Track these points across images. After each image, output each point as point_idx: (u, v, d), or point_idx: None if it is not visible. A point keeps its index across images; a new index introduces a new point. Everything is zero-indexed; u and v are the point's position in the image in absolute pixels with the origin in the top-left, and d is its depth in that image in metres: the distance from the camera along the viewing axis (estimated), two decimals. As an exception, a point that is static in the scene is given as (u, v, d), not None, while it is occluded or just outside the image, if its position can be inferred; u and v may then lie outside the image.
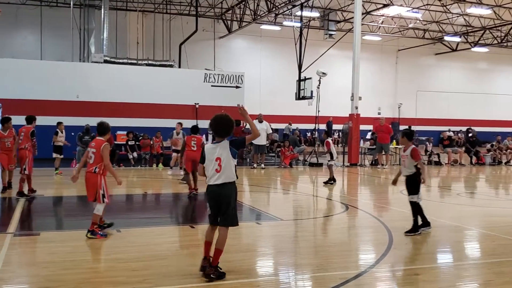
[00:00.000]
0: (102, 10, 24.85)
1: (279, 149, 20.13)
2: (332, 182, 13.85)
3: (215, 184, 5.35)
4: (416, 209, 7.70)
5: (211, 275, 5.33)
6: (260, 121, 18.64)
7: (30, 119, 11.44)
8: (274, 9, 25.76)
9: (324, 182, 14.00)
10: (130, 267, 5.87)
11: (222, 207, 5.39)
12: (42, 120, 17.85)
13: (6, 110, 19.55)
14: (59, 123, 15.97)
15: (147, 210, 10.74)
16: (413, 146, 7.80)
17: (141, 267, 5.88)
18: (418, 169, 7.67)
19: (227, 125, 5.47)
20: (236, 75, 22.43)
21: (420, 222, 7.71)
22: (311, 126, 30.14)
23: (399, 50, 36.77)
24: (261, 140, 18.39)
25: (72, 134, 17.68)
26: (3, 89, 19.18)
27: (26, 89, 19.42)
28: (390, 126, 21.17)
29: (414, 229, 7.63)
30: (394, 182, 8.13)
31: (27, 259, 6.32)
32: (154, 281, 5.35)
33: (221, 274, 5.39)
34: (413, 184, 7.71)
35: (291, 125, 30.44)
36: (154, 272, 5.64)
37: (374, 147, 20.22)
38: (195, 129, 12.18)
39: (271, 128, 19.73)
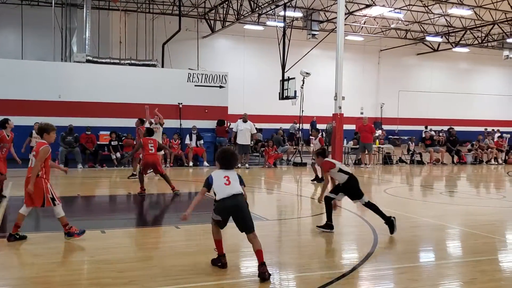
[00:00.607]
0: (84, 9, 24.61)
1: (263, 149, 20.16)
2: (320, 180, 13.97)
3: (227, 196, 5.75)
4: (374, 208, 7.85)
5: (267, 273, 5.56)
6: (245, 121, 18.63)
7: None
8: (257, 9, 25.77)
9: (312, 180, 14.19)
10: (116, 268, 5.83)
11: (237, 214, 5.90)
12: (24, 121, 17.70)
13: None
14: (35, 123, 15.76)
15: (131, 210, 10.67)
16: (324, 160, 8.03)
17: (127, 268, 5.84)
18: (350, 174, 7.80)
19: (236, 159, 6.20)
20: (219, 75, 22.39)
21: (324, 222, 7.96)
22: (295, 126, 30.29)
23: (381, 50, 37.06)
24: (245, 140, 18.39)
25: (54, 134, 17.47)
26: (-17, 89, 18.89)
27: (7, 89, 19.14)
28: (373, 125, 21.33)
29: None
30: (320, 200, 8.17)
31: (10, 261, 6.23)
32: (140, 282, 5.32)
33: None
34: (351, 189, 7.83)
35: (296, 123, 30.19)
36: (140, 274, 5.61)
37: (357, 146, 20.36)
38: (151, 132, 12.35)
39: (255, 128, 19.73)
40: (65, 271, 5.73)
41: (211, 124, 21.35)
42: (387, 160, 21.10)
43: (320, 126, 30.70)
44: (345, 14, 21.78)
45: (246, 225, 5.86)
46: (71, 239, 6.90)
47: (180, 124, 21.27)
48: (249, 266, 6.33)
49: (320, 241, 7.65)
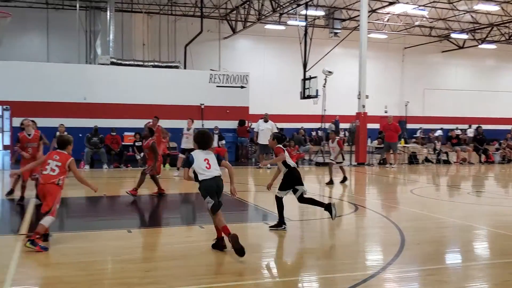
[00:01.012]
0: (108, 12, 24.87)
1: (285, 148, 20.03)
2: (339, 181, 13.77)
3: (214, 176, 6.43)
4: (310, 201, 8.09)
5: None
6: (266, 121, 18.57)
7: None
8: (278, 8, 25.69)
9: (340, 182, 13.92)
10: (142, 268, 5.85)
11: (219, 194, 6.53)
12: (50, 122, 17.98)
13: (15, 113, 19.65)
14: (60, 125, 15.96)
15: (156, 210, 10.72)
16: (278, 146, 8.18)
17: (153, 268, 5.86)
18: (293, 167, 8.03)
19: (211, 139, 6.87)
20: (241, 75, 22.39)
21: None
22: (316, 125, 30.11)
23: (405, 48, 36.57)
24: (267, 140, 18.28)
25: (80, 135, 17.74)
26: (12, 91, 19.24)
27: (34, 91, 19.46)
28: (398, 124, 21.04)
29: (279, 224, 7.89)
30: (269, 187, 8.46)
31: (39, 260, 6.29)
32: (165, 282, 5.32)
33: None
34: (289, 180, 7.99)
35: (337, 121, 29.99)
36: (166, 273, 5.60)
37: (382, 146, 20.11)
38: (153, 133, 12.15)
39: (277, 128, 19.64)
40: (92, 271, 5.76)
41: (233, 124, 21.36)
42: (412, 159, 20.80)
43: (343, 126, 30.51)
44: (368, 12, 21.53)
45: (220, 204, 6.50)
46: (30, 248, 6.43)
47: (202, 125, 21.31)
48: (272, 267, 6.28)
49: (344, 242, 7.55)
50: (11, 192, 10.74)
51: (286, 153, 8.16)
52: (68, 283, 5.28)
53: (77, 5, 25.26)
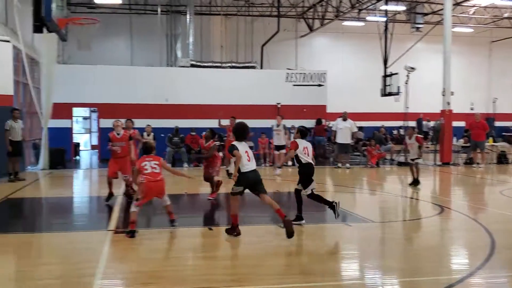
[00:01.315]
0: (188, 15, 25.53)
1: (365, 148, 19.60)
2: (418, 183, 13.02)
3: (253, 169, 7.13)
4: (318, 198, 8.17)
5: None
6: (344, 119, 18.24)
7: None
8: (357, 4, 25.17)
9: (410, 184, 13.08)
10: (224, 265, 5.94)
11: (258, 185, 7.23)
12: (136, 123, 18.72)
13: (101, 114, 20.69)
14: (148, 126, 16.55)
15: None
16: (295, 140, 8.30)
17: (237, 265, 5.93)
18: (305, 163, 8.06)
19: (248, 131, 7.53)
20: (318, 74, 22.19)
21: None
22: (397, 123, 29.18)
23: (492, 41, 34.57)
24: (346, 139, 17.99)
25: (162, 135, 18.37)
26: (98, 94, 20.25)
27: (119, 94, 20.38)
28: (485, 122, 19.90)
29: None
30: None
31: (127, 255, 6.54)
32: (247, 280, 5.37)
33: None
34: (301, 176, 8.14)
35: (429, 121, 29.09)
36: (247, 271, 5.64)
37: (468, 145, 19.12)
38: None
39: (356, 126, 19.23)
40: (178, 267, 5.93)
41: (310, 123, 21.18)
42: (502, 159, 19.60)
43: (427, 123, 29.38)
44: (453, 5, 20.56)
45: (263, 189, 7.29)
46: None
47: (278, 125, 21.33)
48: (350, 269, 6.13)
49: (429, 244, 7.22)
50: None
51: (300, 148, 8.13)
52: (155, 278, 5.45)
53: (159, 10, 26.16)
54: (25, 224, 9.10)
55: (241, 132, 7.31)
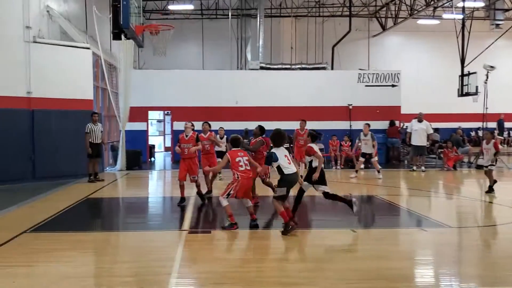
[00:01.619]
0: (258, 18, 25.74)
1: (441, 150, 18.87)
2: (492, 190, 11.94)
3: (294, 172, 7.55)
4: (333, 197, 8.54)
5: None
6: (420, 121, 17.65)
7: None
8: (432, 2, 24.32)
9: (487, 192, 11.92)
10: (296, 268, 5.92)
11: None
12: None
13: (175, 117, 21.29)
14: (220, 128, 16.79)
15: (307, 211, 10.74)
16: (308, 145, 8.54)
17: (309, 268, 5.89)
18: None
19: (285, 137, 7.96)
20: (391, 74, 21.62)
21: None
22: (475, 124, 27.90)
23: None
24: (421, 141, 17.41)
25: (231, 138, 18.55)
26: (171, 98, 20.85)
27: (191, 97, 20.88)
28: None
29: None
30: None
31: (202, 255, 6.68)
32: (320, 283, 5.31)
33: None
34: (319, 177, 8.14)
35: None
36: (322, 275, 5.58)
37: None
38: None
39: (432, 128, 18.54)
40: (251, 268, 5.98)
41: (383, 124, 20.67)
42: None
43: (508, 125, 27.97)
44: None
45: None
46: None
47: (350, 126, 21.01)
48: (426, 275, 5.91)
49: (509, 253, 6.81)
50: (208, 192, 11.41)
51: (316, 148, 8.41)
52: (229, 279, 5.53)
53: (229, 14, 26.59)
54: (103, 223, 9.51)
55: (278, 139, 7.73)
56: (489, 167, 12.10)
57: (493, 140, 12.36)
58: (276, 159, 7.47)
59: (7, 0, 13.69)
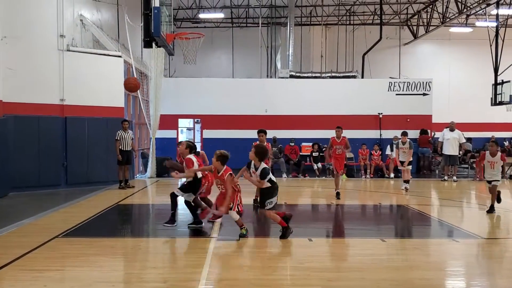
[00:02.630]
0: (288, 26, 25.78)
1: (474, 160, 18.48)
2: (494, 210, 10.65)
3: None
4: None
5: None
6: (452, 130, 17.35)
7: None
8: (465, 10, 23.94)
9: (488, 211, 10.64)
10: (324, 277, 5.85)
11: None
12: (235, 134, 19.26)
13: (204, 125, 21.45)
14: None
15: (332, 220, 10.66)
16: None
17: (336, 277, 5.82)
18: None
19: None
20: (423, 82, 21.35)
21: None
22: (509, 134, 27.27)
23: None
24: (453, 150, 17.10)
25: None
26: (201, 106, 21.02)
27: (221, 106, 21.01)
28: None
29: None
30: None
31: (230, 262, 6.69)
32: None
33: None
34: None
35: None
36: (347, 284, 5.52)
37: None
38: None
39: (464, 137, 18.20)
40: (278, 276, 5.96)
41: (413, 134, 20.39)
42: None
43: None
44: None
45: None
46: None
47: (380, 135, 20.80)
48: (457, 286, 5.77)
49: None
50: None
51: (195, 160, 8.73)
52: (256, 286, 5.50)
53: (260, 22, 26.72)
54: (133, 229, 9.62)
55: (265, 155, 8.02)
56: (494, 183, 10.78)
57: (500, 153, 10.89)
58: (269, 174, 7.84)
59: (42, 10, 14.07)
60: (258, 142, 10.37)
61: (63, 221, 9.07)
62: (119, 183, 14.34)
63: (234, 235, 7.96)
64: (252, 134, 17.62)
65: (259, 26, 26.78)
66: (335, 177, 12.46)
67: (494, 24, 22.77)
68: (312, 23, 28.81)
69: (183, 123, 25.68)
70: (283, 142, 19.24)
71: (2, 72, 12.69)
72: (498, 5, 22.72)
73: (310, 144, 19.48)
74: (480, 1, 22.80)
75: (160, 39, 10.49)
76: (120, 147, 14.07)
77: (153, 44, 10.69)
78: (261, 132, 11.64)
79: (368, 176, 18.21)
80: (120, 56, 15.57)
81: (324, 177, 17.96)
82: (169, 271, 6.13)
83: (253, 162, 7.85)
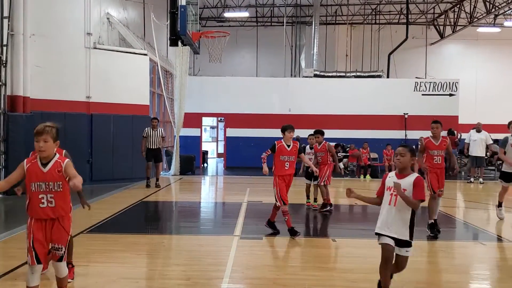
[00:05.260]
0: (313, 25, 25.68)
1: (500, 162, 18.11)
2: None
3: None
4: None
5: None
6: (478, 131, 17.06)
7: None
8: (493, 9, 23.51)
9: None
10: (349, 278, 5.81)
11: None
12: (259, 133, 19.23)
13: (228, 124, 21.50)
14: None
15: (357, 221, 10.58)
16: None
17: (360, 279, 5.77)
18: None
19: None
20: (449, 82, 21.05)
21: None
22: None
23: None
24: (480, 152, 16.80)
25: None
26: (225, 105, 21.10)
27: (244, 104, 21.04)
28: None
29: None
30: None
31: (253, 261, 6.68)
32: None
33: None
34: None
35: None
36: (374, 286, 5.44)
37: None
38: None
39: (491, 139, 17.88)
40: (301, 275, 5.93)
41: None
42: None
43: None
44: None
45: None
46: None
47: (405, 135, 20.57)
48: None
49: None
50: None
51: None
52: (281, 285, 5.50)
53: (284, 21, 26.67)
54: (157, 226, 9.69)
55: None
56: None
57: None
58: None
59: (69, 8, 14.28)
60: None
61: (88, 217, 9.17)
62: (146, 180, 14.30)
63: (257, 233, 7.96)
64: (275, 133, 17.63)
65: (283, 25, 26.73)
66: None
67: (524, 23, 22.33)
68: (337, 22, 28.63)
69: (207, 121, 25.83)
70: (307, 142, 19.11)
71: (30, 69, 12.93)
72: (528, 4, 22.27)
73: (333, 144, 19.33)
74: (509, 1, 22.36)
75: (186, 38, 10.57)
76: (146, 145, 14.15)
77: (179, 43, 10.77)
78: (318, 133, 11.55)
79: (391, 177, 18.00)
80: (145, 54, 15.72)
81: (347, 177, 17.83)
82: (192, 268, 6.16)
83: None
